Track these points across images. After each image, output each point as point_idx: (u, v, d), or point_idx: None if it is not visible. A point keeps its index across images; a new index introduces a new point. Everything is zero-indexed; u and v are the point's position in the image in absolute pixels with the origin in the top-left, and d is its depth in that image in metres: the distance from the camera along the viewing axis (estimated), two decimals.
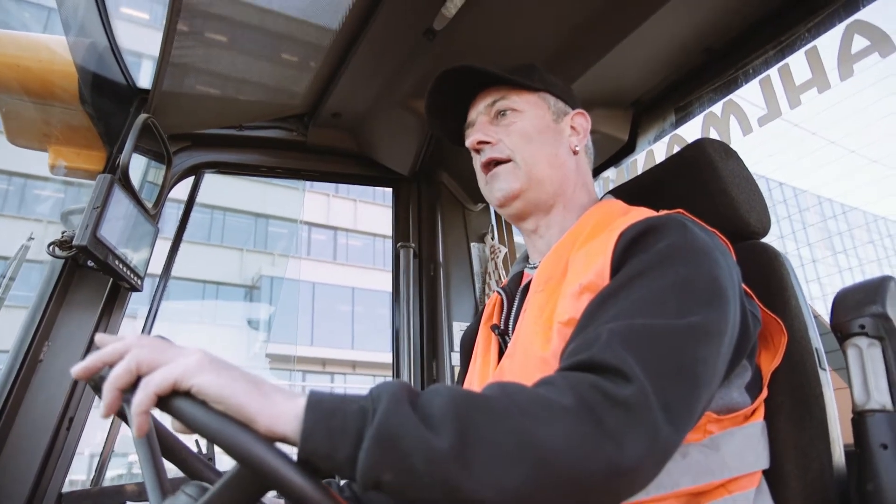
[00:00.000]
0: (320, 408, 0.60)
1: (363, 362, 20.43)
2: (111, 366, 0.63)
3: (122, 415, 0.74)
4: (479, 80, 1.17)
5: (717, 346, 0.77)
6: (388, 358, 2.03)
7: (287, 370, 18.76)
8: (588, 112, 1.82)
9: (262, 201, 19.91)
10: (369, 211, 22.32)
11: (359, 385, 20.44)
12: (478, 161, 1.15)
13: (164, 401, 0.59)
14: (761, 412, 0.96)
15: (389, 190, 2.25)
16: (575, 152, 1.16)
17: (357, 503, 1.15)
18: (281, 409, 0.60)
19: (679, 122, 1.83)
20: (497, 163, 1.11)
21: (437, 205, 2.17)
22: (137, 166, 1.77)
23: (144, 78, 1.73)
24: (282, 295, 19.92)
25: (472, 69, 1.14)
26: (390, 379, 1.86)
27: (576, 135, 1.18)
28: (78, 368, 0.65)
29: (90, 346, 1.44)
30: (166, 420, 0.71)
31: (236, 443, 0.56)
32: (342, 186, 22.03)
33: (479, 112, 1.17)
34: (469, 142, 1.15)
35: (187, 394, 0.59)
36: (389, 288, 2.14)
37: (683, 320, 0.75)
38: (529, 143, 1.10)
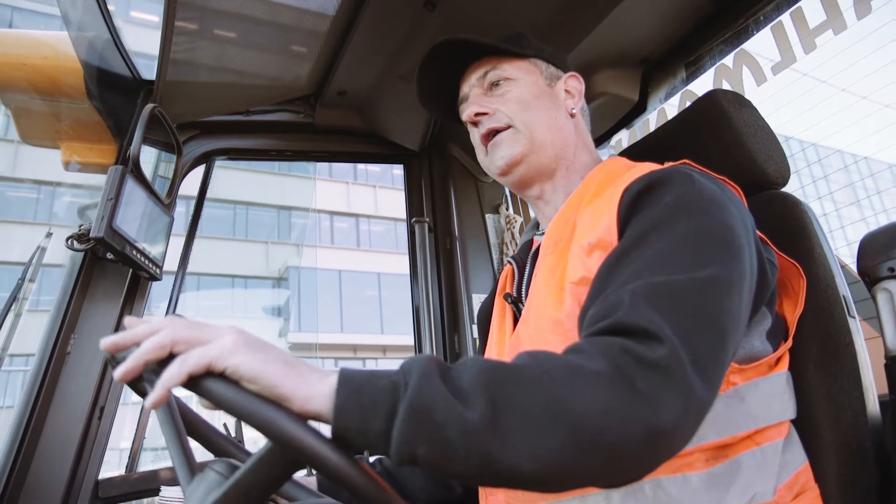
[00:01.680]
0: (351, 384, 0.60)
1: (393, 346, 20.62)
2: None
3: (141, 391, 0.74)
4: (467, 53, 1.15)
5: (738, 294, 0.75)
6: (413, 336, 2.04)
7: (320, 357, 19.01)
8: (595, 74, 1.81)
9: (279, 192, 20.03)
10: (389, 196, 22.35)
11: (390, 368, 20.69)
12: (476, 134, 1.13)
13: (195, 381, 0.58)
14: (786, 361, 0.94)
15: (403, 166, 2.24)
16: (572, 115, 1.14)
17: (389, 478, 1.16)
18: (314, 388, 0.60)
19: (690, 78, 1.79)
20: (497, 132, 1.09)
21: (450, 178, 2.16)
22: (149, 160, 1.77)
23: (150, 69, 1.73)
24: (307, 284, 20.12)
25: (460, 41, 1.11)
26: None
27: (571, 97, 1.16)
28: (108, 341, 0.64)
29: None
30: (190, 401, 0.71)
31: (269, 421, 0.56)
32: (361, 173, 22.10)
33: (472, 85, 1.14)
34: (466, 115, 1.13)
35: (220, 375, 0.58)
36: None
37: (703, 272, 0.73)
38: (527, 109, 1.09)
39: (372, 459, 1.17)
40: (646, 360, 0.64)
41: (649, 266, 0.75)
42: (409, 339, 2.04)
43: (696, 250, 0.76)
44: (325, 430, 0.60)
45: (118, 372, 0.61)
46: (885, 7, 1.41)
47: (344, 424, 0.58)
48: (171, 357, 0.60)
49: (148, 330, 0.63)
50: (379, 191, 22.70)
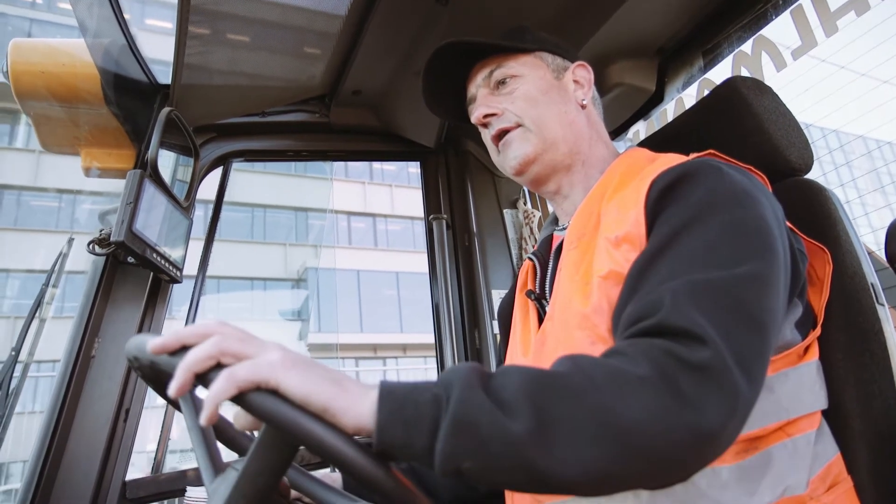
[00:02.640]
0: (392, 399, 0.60)
1: (413, 345, 20.69)
2: (186, 348, 0.61)
3: (174, 403, 0.74)
4: (471, 53, 1.13)
5: (776, 290, 0.74)
6: (433, 334, 2.04)
7: (340, 358, 19.14)
8: (611, 65, 1.79)
9: (297, 194, 20.21)
10: (405, 195, 22.41)
11: (411, 367, 20.75)
12: (487, 135, 1.12)
13: (242, 396, 0.57)
14: (815, 351, 0.92)
15: (419, 163, 2.24)
16: (583, 106, 1.13)
17: (413, 475, 1.15)
18: (360, 405, 0.59)
19: (708, 66, 1.77)
20: (507, 132, 1.08)
21: (466, 174, 2.15)
22: (167, 164, 1.79)
23: (165, 74, 1.74)
24: (327, 285, 20.27)
25: (461, 43, 1.10)
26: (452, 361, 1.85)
27: (580, 88, 1.14)
28: (156, 343, 0.63)
29: None
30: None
31: (321, 440, 0.56)
32: (377, 173, 22.18)
33: (478, 85, 1.13)
34: (474, 118, 1.11)
35: (270, 391, 0.58)
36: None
37: (741, 269, 0.72)
38: (536, 106, 1.07)
39: None
40: (690, 362, 0.63)
41: (686, 264, 0.74)
42: (429, 338, 2.04)
43: (733, 246, 0.75)
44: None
45: (173, 388, 0.59)
46: None
47: (387, 440, 0.58)
48: (218, 366, 0.59)
49: (196, 333, 0.62)
50: (395, 190, 22.77)
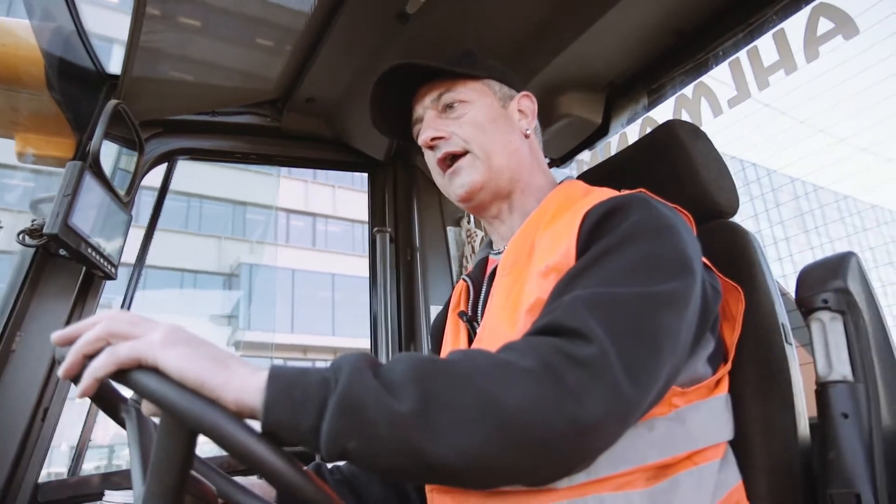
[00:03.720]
0: (282, 380, 0.61)
1: (345, 349, 20.37)
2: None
3: (120, 420, 0.74)
4: (420, 75, 1.13)
5: (680, 314, 0.78)
6: (369, 344, 2.04)
7: (268, 357, 18.69)
8: (561, 95, 1.85)
9: (239, 188, 19.73)
10: (348, 197, 22.20)
11: None
12: (432, 157, 1.12)
13: (124, 374, 0.59)
14: (725, 385, 0.97)
15: (367, 175, 2.25)
16: (526, 136, 1.15)
17: (346, 485, 1.15)
18: (245, 384, 0.60)
19: (651, 105, 1.85)
20: (454, 157, 1.09)
21: (413, 189, 2.17)
22: (109, 154, 1.74)
23: (115, 63, 1.70)
24: (260, 282, 19.82)
25: (414, 65, 1.10)
26: None
27: (524, 118, 1.16)
28: (59, 334, 0.65)
29: None
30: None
31: (198, 417, 0.56)
32: (320, 172, 21.85)
33: (426, 107, 1.13)
34: (422, 140, 1.11)
35: (152, 369, 0.59)
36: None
37: (646, 288, 0.76)
38: (483, 133, 1.08)
39: (330, 466, 1.16)
40: (575, 357, 0.67)
41: (598, 282, 0.78)
42: (361, 343, 2.04)
43: (646, 271, 0.79)
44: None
45: (62, 369, 0.62)
46: (837, 51, 1.48)
47: (275, 420, 0.59)
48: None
49: (93, 321, 0.64)
50: (338, 191, 22.51)
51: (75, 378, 0.63)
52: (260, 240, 20.77)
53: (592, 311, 0.72)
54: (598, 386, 0.66)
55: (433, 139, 1.10)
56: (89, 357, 0.61)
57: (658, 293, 0.76)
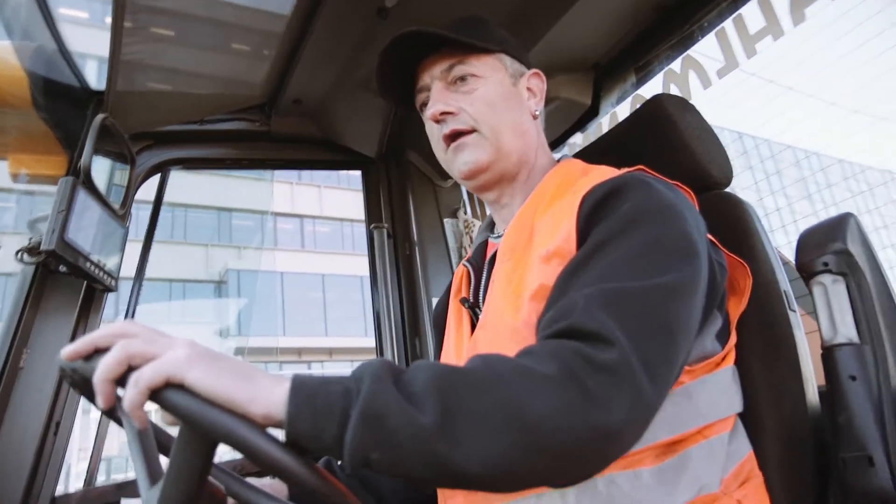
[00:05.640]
0: (304, 391, 0.61)
1: (340, 348, 20.49)
2: (99, 350, 0.63)
3: (114, 416, 0.74)
4: (431, 42, 1.07)
5: (690, 300, 0.78)
6: (364, 343, 2.05)
7: (263, 362, 18.74)
8: (549, 79, 1.82)
9: (232, 196, 19.75)
10: (335, 196, 22.15)
11: (337, 371, 20.33)
12: (436, 131, 1.08)
13: (155, 394, 0.59)
14: (731, 357, 0.97)
15: (354, 172, 2.24)
16: (535, 117, 1.12)
17: (357, 479, 1.15)
18: (270, 396, 0.60)
19: (640, 82, 1.84)
20: (460, 133, 1.05)
21: (407, 184, 2.17)
22: (102, 169, 1.74)
23: (100, 79, 1.70)
24: (252, 287, 19.82)
25: (426, 33, 1.04)
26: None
27: (533, 97, 1.13)
28: (68, 350, 0.64)
29: None
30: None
31: (229, 431, 0.57)
32: (305, 173, 21.84)
33: (435, 77, 1.07)
34: (430, 113, 1.06)
35: (179, 386, 0.59)
36: (361, 272, 2.15)
37: (656, 280, 0.75)
38: (494, 112, 1.04)
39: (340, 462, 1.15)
40: (596, 362, 0.66)
41: (605, 273, 0.77)
42: (356, 341, 2.05)
43: (653, 258, 0.78)
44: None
45: (99, 401, 0.61)
46: (819, 14, 1.47)
47: (298, 430, 0.59)
48: (129, 371, 0.60)
49: (104, 335, 0.63)
50: (324, 191, 22.46)
51: (111, 410, 0.63)
52: (256, 245, 20.80)
53: (609, 311, 0.71)
54: (621, 391, 0.65)
55: (442, 113, 1.05)
56: (117, 381, 0.61)
57: (668, 284, 0.76)
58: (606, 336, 0.68)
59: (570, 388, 0.64)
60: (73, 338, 1.48)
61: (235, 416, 0.58)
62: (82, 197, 1.42)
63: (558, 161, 1.13)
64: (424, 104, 1.11)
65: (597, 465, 0.67)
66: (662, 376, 0.71)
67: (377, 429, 0.59)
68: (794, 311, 1.08)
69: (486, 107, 1.04)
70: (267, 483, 1.03)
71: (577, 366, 0.65)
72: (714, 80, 1.70)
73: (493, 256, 1.07)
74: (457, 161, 1.06)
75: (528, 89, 1.13)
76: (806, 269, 1.10)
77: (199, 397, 0.59)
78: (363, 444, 0.58)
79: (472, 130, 1.05)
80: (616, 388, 0.65)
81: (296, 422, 0.59)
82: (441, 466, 0.60)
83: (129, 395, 0.59)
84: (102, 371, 0.60)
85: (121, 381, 0.61)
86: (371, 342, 2.05)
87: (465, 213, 2.20)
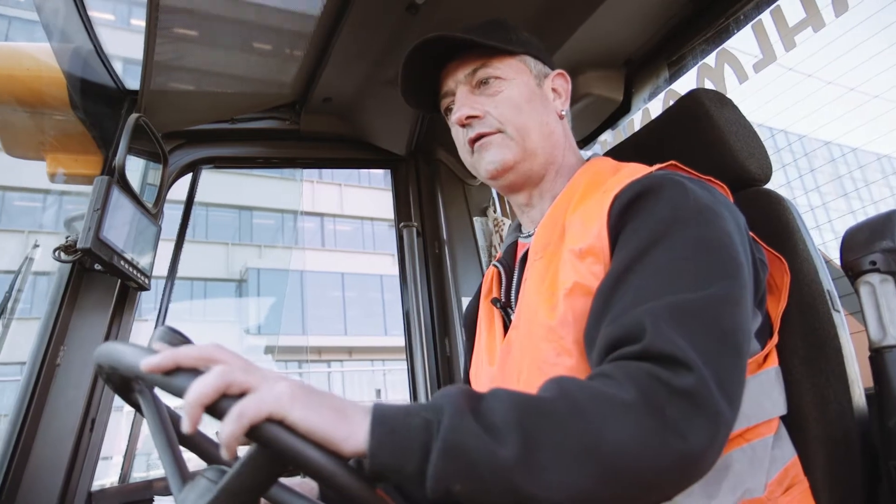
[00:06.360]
0: (384, 425, 0.61)
1: (359, 347, 20.58)
2: (182, 369, 0.61)
3: (133, 401, 0.74)
4: (454, 47, 1.07)
5: (745, 308, 0.77)
6: (382, 342, 2.05)
7: (283, 360, 18.87)
8: (580, 75, 1.82)
9: (254, 194, 19.96)
10: (355, 195, 22.22)
11: (356, 369, 20.58)
12: (462, 134, 1.07)
13: (252, 430, 0.57)
14: (774, 358, 0.95)
15: (375, 171, 2.25)
16: (561, 117, 1.11)
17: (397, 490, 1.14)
18: (358, 431, 0.60)
19: (673, 78, 1.81)
20: (485, 135, 1.04)
21: (437, 182, 2.16)
22: (136, 169, 1.77)
23: (134, 79, 1.72)
24: (272, 286, 19.94)
25: (449, 37, 1.04)
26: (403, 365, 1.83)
27: (559, 97, 1.12)
28: (151, 363, 0.61)
29: None
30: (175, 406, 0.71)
31: (323, 470, 0.58)
32: (326, 172, 21.94)
33: (459, 81, 1.07)
34: (455, 117, 1.06)
35: (279, 422, 0.58)
36: (380, 271, 2.14)
37: (712, 289, 0.74)
38: (520, 114, 1.04)
39: None
40: (675, 387, 0.65)
41: (657, 283, 0.76)
42: (376, 340, 2.05)
43: (701, 264, 0.77)
44: None
45: (186, 427, 0.58)
46: (862, 4, 1.43)
47: (381, 464, 0.59)
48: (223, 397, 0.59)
49: (193, 357, 0.61)
50: (345, 189, 22.52)
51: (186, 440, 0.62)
52: (282, 245, 21.00)
53: (677, 330, 0.70)
54: (701, 416, 0.64)
55: (468, 117, 1.05)
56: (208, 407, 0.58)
57: (724, 293, 0.75)
58: (682, 359, 0.67)
59: (650, 416, 0.63)
60: (107, 335, 1.50)
61: (328, 454, 0.58)
62: (116, 195, 1.44)
63: (587, 160, 1.12)
64: (449, 109, 1.11)
65: (676, 491, 0.66)
66: (737, 395, 0.70)
67: (458, 462, 0.58)
68: (839, 311, 1.05)
69: (511, 108, 1.04)
70: (297, 482, 1.03)
71: (655, 391, 0.64)
72: (751, 74, 1.66)
73: (524, 256, 1.06)
74: (482, 160, 1.06)
75: (553, 90, 1.12)
76: (852, 268, 1.06)
77: (297, 433, 0.58)
78: (445, 477, 0.58)
79: (498, 132, 1.04)
80: (696, 414, 0.64)
81: (378, 455, 0.59)
82: (523, 498, 0.59)
83: (228, 428, 0.56)
84: (197, 396, 0.57)
85: (210, 407, 0.58)
86: (390, 341, 2.05)
87: (495, 211, 2.19)
